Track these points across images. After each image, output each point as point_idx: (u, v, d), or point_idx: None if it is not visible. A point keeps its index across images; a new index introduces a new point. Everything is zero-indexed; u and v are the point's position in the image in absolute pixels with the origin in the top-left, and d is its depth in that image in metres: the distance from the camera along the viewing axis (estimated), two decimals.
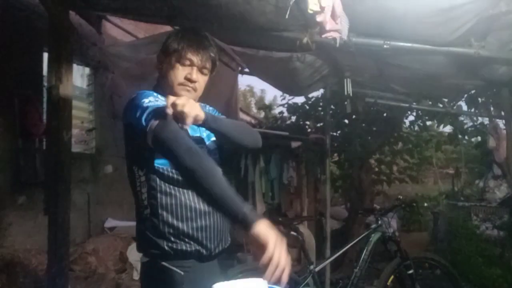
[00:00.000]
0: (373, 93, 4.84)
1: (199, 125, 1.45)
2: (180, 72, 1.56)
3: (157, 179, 1.50)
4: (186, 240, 1.49)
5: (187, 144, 1.32)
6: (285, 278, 1.18)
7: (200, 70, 1.59)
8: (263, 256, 1.16)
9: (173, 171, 1.50)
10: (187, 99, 1.37)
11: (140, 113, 1.40)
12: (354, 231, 5.73)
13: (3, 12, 3.91)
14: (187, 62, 1.57)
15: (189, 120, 1.33)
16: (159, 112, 1.37)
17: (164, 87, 1.58)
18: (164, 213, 1.49)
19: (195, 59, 1.57)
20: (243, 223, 1.21)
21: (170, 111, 1.32)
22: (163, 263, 1.48)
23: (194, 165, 1.28)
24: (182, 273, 1.48)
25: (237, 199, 1.25)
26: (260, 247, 1.18)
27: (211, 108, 1.71)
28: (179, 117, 1.32)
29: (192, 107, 1.34)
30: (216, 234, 1.55)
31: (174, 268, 1.48)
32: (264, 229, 1.19)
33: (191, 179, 1.31)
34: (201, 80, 1.60)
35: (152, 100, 1.47)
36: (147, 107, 1.41)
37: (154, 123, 1.35)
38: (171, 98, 1.34)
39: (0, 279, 3.48)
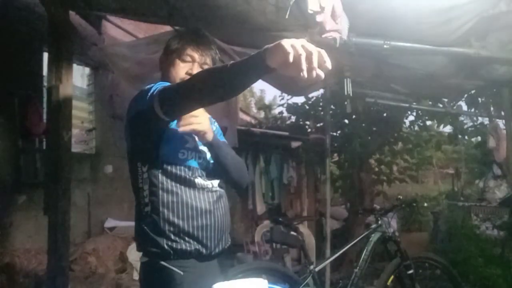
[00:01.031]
0: (373, 93, 4.84)
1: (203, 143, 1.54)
2: (181, 68, 1.59)
3: (160, 176, 1.49)
4: (186, 238, 1.49)
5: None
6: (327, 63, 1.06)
7: (201, 66, 1.60)
8: (289, 55, 1.03)
9: (177, 167, 1.50)
10: (205, 119, 1.46)
11: (147, 90, 1.46)
12: (354, 231, 5.73)
13: (3, 12, 3.91)
14: (188, 58, 1.59)
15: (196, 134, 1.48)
16: (163, 84, 1.47)
17: None
18: (165, 211, 1.48)
19: (196, 54, 1.59)
20: (262, 58, 1.12)
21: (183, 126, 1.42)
22: (163, 263, 1.47)
23: (199, 78, 1.32)
24: (181, 273, 1.47)
25: (248, 58, 1.20)
26: (282, 59, 1.06)
27: (216, 125, 1.73)
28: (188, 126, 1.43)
29: (204, 126, 1.46)
30: (216, 233, 1.54)
31: (174, 268, 1.47)
32: (272, 45, 1.10)
33: (208, 86, 1.29)
34: None
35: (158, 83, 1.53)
36: (155, 86, 1.47)
37: (160, 88, 1.42)
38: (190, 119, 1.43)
39: (0, 279, 3.48)
